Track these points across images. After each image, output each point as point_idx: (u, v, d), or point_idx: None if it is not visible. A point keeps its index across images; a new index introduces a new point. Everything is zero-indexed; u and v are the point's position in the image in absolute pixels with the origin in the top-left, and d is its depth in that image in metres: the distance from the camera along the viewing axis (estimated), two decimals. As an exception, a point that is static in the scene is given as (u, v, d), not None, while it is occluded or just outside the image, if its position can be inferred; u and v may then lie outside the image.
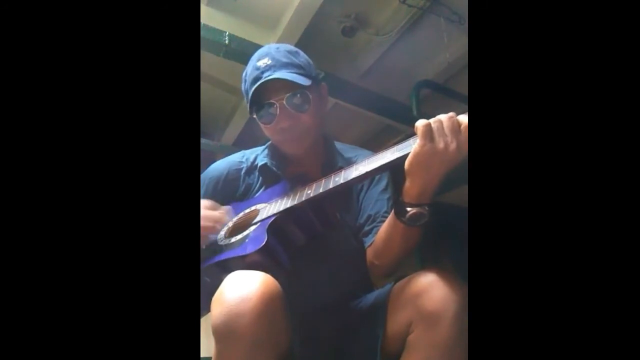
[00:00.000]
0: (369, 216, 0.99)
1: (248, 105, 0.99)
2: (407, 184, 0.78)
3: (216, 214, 0.90)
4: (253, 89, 0.95)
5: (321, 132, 1.05)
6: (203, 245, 0.91)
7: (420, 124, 0.74)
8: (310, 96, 0.96)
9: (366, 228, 0.99)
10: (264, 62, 0.96)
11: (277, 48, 0.99)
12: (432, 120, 0.74)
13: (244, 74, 1.02)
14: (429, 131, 0.73)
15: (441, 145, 0.73)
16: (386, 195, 1.02)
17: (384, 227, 0.90)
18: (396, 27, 2.11)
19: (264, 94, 0.95)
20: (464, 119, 0.74)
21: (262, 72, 0.94)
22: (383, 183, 1.04)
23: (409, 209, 0.79)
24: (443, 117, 0.75)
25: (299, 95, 0.95)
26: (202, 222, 0.86)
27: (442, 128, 0.73)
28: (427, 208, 0.79)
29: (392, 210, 0.85)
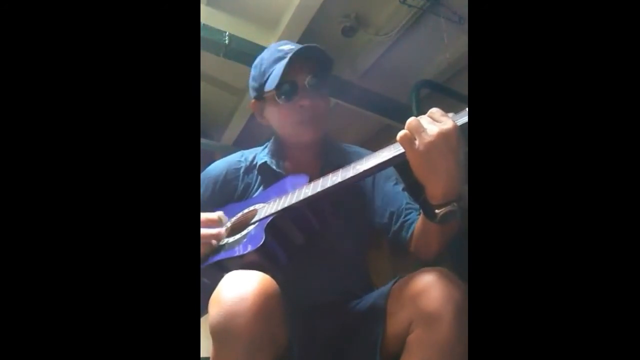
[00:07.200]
0: (392, 213, 0.99)
1: (265, 86, 0.99)
2: (427, 187, 0.77)
3: (213, 231, 0.87)
4: (284, 63, 0.95)
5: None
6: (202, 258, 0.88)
7: (398, 136, 0.73)
8: (327, 82, 0.99)
9: (395, 226, 0.98)
10: (287, 47, 0.99)
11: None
12: (408, 124, 0.73)
13: (259, 60, 1.03)
14: (406, 138, 0.73)
15: (425, 140, 0.71)
16: (400, 187, 1.02)
17: (418, 228, 0.90)
18: (396, 27, 2.10)
19: (285, 74, 0.96)
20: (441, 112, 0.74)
21: (287, 53, 0.96)
22: (392, 178, 1.03)
23: (437, 210, 0.77)
24: (420, 117, 0.74)
25: (320, 77, 0.98)
26: (201, 240, 0.85)
27: (419, 126, 0.72)
28: (455, 204, 0.76)
29: (421, 213, 0.84)
